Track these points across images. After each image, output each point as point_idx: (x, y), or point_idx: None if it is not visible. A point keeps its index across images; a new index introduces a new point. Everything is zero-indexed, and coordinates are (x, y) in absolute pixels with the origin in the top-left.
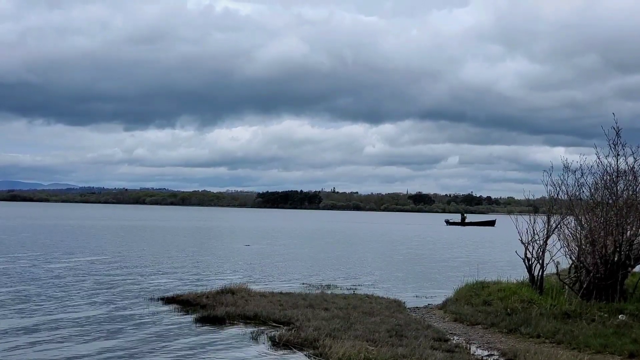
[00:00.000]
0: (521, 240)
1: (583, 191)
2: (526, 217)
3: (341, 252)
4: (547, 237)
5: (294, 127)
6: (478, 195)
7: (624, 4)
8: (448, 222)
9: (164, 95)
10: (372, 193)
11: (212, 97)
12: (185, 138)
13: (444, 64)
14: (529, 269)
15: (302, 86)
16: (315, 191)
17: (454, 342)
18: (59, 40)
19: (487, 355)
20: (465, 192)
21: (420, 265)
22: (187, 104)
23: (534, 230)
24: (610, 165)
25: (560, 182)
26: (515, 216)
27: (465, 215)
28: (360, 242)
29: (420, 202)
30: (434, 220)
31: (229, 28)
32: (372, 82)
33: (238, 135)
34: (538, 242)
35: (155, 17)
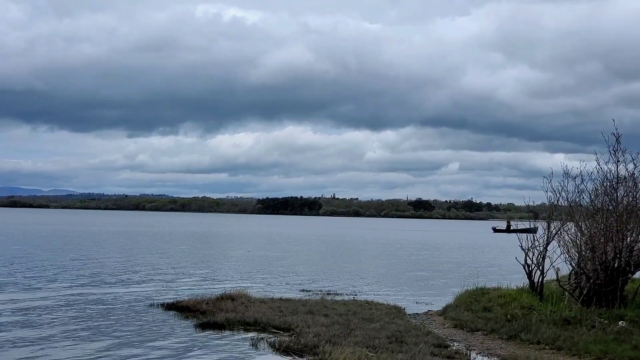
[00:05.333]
0: (521, 247)
1: (583, 197)
2: (526, 223)
3: (347, 258)
4: (547, 244)
5: (296, 134)
6: (478, 202)
7: (625, 12)
8: (495, 230)
9: (169, 102)
10: (372, 199)
11: (216, 104)
12: (188, 144)
13: (446, 72)
14: (529, 275)
15: (305, 93)
16: (315, 197)
17: (454, 348)
18: (67, 48)
19: None
20: (466, 199)
21: (421, 271)
22: (191, 110)
23: (534, 237)
24: (610, 171)
25: (560, 188)
26: (516, 222)
27: (510, 222)
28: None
29: (420, 209)
30: (480, 228)
31: (236, 36)
32: (375, 89)
33: (240, 141)
34: (538, 248)
35: (163, 25)
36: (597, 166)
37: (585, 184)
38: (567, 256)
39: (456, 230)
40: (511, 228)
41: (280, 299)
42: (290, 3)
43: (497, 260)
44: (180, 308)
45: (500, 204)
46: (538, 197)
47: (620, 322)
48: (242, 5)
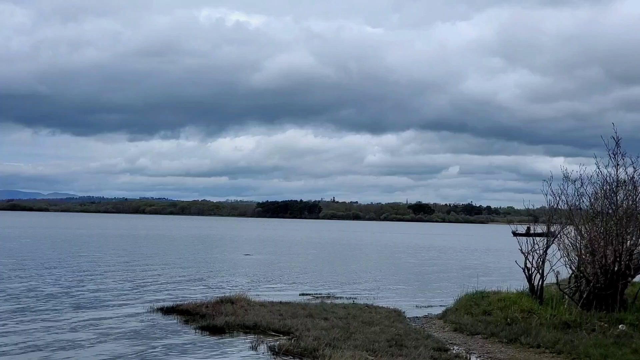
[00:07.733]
0: (521, 250)
1: (583, 201)
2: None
3: (345, 261)
4: (547, 247)
5: (297, 137)
6: (478, 205)
7: (626, 17)
8: (515, 233)
9: (171, 107)
10: (372, 202)
11: (218, 108)
12: (188, 148)
13: (446, 76)
14: (529, 278)
15: (307, 97)
16: (315, 201)
17: (454, 352)
18: (71, 52)
19: None
20: (465, 202)
21: (421, 275)
22: (193, 114)
23: (534, 240)
24: (610, 175)
25: (560, 191)
26: (515, 225)
27: (529, 227)
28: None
29: (420, 212)
30: (498, 232)
31: (239, 41)
32: (376, 93)
33: (240, 145)
34: (538, 251)
35: (166, 30)
36: (597, 170)
37: (585, 188)
38: (566, 260)
39: (474, 234)
40: (530, 232)
41: (280, 302)
42: (293, 8)
43: (500, 263)
44: (180, 312)
45: (500, 208)
46: (538, 201)
47: (620, 326)
48: (245, 10)
